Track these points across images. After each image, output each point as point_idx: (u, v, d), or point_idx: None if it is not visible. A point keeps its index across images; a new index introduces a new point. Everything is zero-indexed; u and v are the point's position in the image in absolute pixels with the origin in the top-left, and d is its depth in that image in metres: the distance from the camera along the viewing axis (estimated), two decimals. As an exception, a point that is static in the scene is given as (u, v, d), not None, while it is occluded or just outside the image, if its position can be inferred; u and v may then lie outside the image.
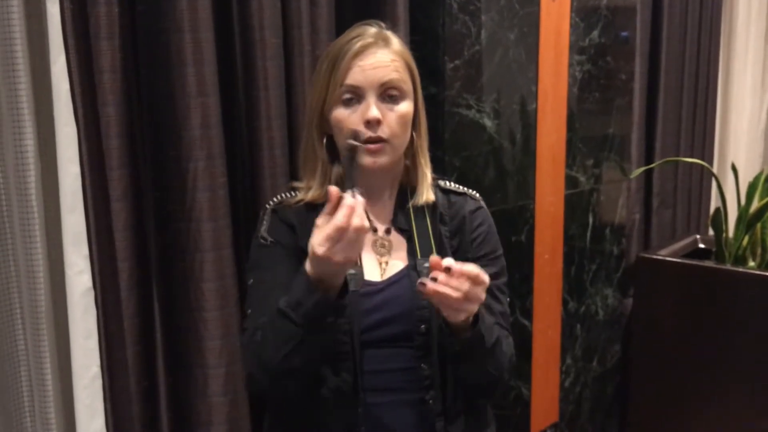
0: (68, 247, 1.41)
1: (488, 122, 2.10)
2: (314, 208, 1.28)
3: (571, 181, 2.44)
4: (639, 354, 2.84)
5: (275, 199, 1.37)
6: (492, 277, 1.32)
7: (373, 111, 1.21)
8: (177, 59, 1.46)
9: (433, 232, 1.32)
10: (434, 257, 1.11)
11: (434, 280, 1.09)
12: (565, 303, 2.53)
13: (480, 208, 1.39)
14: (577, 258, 2.55)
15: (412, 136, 1.30)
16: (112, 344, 1.46)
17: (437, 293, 1.09)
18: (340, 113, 1.24)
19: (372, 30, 1.27)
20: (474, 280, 1.10)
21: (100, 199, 1.43)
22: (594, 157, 2.53)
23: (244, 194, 1.65)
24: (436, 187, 1.37)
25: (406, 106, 1.26)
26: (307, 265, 1.13)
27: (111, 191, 1.44)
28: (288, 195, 1.36)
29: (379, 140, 1.23)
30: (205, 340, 1.55)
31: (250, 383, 1.37)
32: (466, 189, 1.41)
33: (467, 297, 1.10)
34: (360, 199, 1.08)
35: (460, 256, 1.30)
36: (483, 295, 1.14)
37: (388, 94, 1.23)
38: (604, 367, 2.81)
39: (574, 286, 2.55)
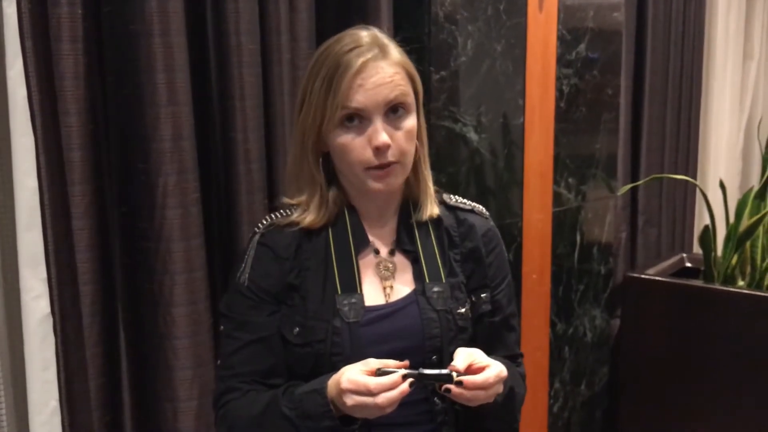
0: (24, 270, 1.31)
1: (474, 136, 2.02)
2: (309, 237, 1.20)
3: (558, 198, 2.38)
4: (627, 376, 2.78)
5: (265, 221, 1.24)
6: (508, 305, 1.30)
7: (383, 137, 1.11)
8: (146, 65, 1.38)
9: (440, 252, 1.23)
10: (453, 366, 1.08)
11: (459, 383, 1.07)
12: (552, 325, 2.45)
13: (490, 228, 1.30)
14: (565, 278, 2.48)
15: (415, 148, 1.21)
16: (72, 376, 1.37)
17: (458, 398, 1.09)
18: (344, 138, 1.13)
19: (366, 38, 1.14)
20: (489, 387, 1.09)
21: (60, 216, 1.34)
22: (581, 173, 2.47)
23: (219, 211, 1.57)
24: (441, 204, 1.28)
25: (412, 121, 1.16)
26: (331, 387, 1.08)
27: (72, 208, 1.36)
28: (279, 214, 1.24)
29: (389, 164, 1.14)
30: (175, 370, 1.46)
31: None
32: (473, 205, 1.31)
33: (487, 395, 1.10)
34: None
35: (475, 283, 1.25)
36: (501, 388, 1.13)
37: (392, 110, 1.14)
38: (593, 391, 2.74)
39: (562, 307, 2.48)
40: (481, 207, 1.32)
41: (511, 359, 1.30)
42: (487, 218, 1.31)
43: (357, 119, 1.12)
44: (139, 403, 1.47)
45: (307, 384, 1.12)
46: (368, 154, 1.12)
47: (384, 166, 1.13)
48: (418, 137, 1.20)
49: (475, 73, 1.98)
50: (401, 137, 1.14)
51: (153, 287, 1.44)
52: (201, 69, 1.50)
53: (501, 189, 2.15)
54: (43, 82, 1.29)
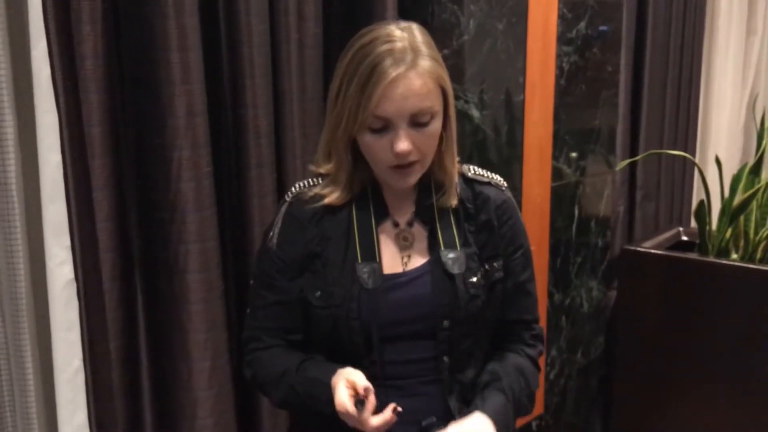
0: (49, 238, 1.37)
1: (476, 113, 2.08)
2: (332, 212, 1.28)
3: (557, 173, 2.44)
4: (622, 346, 2.84)
5: (294, 189, 1.33)
6: (522, 271, 1.35)
7: (403, 144, 1.17)
8: (161, 45, 1.42)
9: (455, 223, 1.29)
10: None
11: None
12: (550, 295, 2.52)
13: (506, 200, 1.35)
14: (562, 250, 2.54)
15: (441, 137, 1.25)
16: (94, 337, 1.43)
17: None
18: (369, 139, 1.20)
19: (400, 42, 1.16)
20: None
21: (82, 188, 1.40)
22: (580, 149, 2.53)
23: (230, 184, 1.62)
24: (460, 176, 1.33)
25: (436, 125, 1.21)
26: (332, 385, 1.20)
27: (93, 180, 1.41)
28: (308, 183, 1.32)
29: (409, 165, 1.21)
30: (189, 333, 1.53)
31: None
32: (491, 176, 1.36)
33: None
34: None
35: (488, 253, 1.30)
36: None
37: (418, 120, 1.18)
38: (589, 359, 2.82)
39: (559, 279, 2.55)
40: (499, 179, 1.37)
41: (525, 324, 1.38)
42: (503, 190, 1.36)
43: (383, 123, 1.18)
44: (156, 364, 1.54)
45: (318, 368, 1.24)
46: (389, 156, 1.19)
47: (404, 167, 1.21)
48: (447, 130, 1.25)
49: (478, 52, 2.03)
50: (423, 141, 1.20)
51: (168, 255, 1.50)
52: (213, 48, 1.54)
53: (502, 164, 2.21)
54: (66, 61, 1.34)
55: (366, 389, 1.14)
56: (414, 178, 1.24)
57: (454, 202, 1.29)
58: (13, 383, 1.44)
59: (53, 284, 1.38)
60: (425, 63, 1.17)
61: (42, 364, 1.46)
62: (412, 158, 1.20)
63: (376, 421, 1.14)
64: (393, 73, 1.15)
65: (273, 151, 1.64)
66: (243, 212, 1.62)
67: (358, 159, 1.27)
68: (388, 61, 1.15)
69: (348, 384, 1.16)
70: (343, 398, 1.15)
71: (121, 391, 1.50)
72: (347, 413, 1.14)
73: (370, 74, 1.15)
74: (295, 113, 1.69)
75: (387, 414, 1.15)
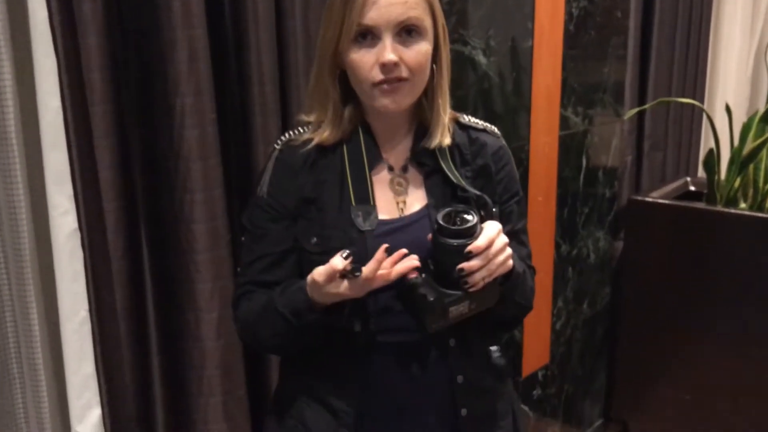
0: (51, 187, 1.33)
1: (483, 59, 2.04)
2: (325, 154, 1.24)
3: (565, 122, 2.40)
4: (628, 296, 2.85)
5: (283, 137, 1.29)
6: (517, 219, 1.33)
7: (389, 54, 1.13)
8: None
9: (452, 168, 1.26)
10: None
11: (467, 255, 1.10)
12: (557, 246, 2.51)
13: (502, 146, 1.33)
14: (570, 200, 2.52)
15: (432, 71, 1.22)
16: (100, 287, 1.41)
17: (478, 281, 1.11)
18: (355, 54, 1.16)
19: None
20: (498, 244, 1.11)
21: (83, 135, 1.35)
22: (588, 97, 2.49)
23: (235, 132, 1.58)
24: (455, 123, 1.31)
25: (425, 46, 1.17)
26: (308, 288, 1.15)
27: (94, 127, 1.37)
28: (297, 132, 1.29)
29: (397, 80, 1.16)
30: (196, 282, 1.51)
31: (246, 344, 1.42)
32: (485, 125, 1.34)
33: (505, 258, 1.13)
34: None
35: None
36: (509, 251, 1.15)
37: (405, 31, 1.15)
38: (594, 310, 2.82)
39: (566, 229, 2.54)
40: (493, 127, 1.35)
41: None
42: (498, 137, 1.34)
43: (369, 36, 1.15)
44: (163, 313, 1.53)
45: (299, 282, 1.19)
46: (375, 71, 1.15)
47: (391, 81, 1.16)
48: (438, 65, 1.22)
49: (485, -4, 1.98)
50: (411, 56, 1.15)
51: (174, 205, 1.47)
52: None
53: (509, 112, 2.18)
54: (63, 3, 1.29)
55: (347, 255, 1.09)
56: (402, 98, 1.18)
57: (447, 140, 1.25)
58: (19, 335, 1.43)
59: (57, 234, 1.35)
60: None
61: (48, 315, 1.44)
62: (399, 74, 1.15)
63: (371, 267, 1.09)
64: None
65: (277, 98, 1.60)
66: (248, 160, 1.59)
67: (347, 97, 1.23)
68: None
69: (324, 268, 1.12)
70: (321, 267, 1.11)
71: (128, 341, 1.49)
72: (333, 271, 1.09)
73: None
74: (299, 60, 1.64)
75: (379, 254, 1.09)
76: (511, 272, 1.18)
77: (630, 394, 2.89)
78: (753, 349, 2.55)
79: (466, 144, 1.29)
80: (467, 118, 1.33)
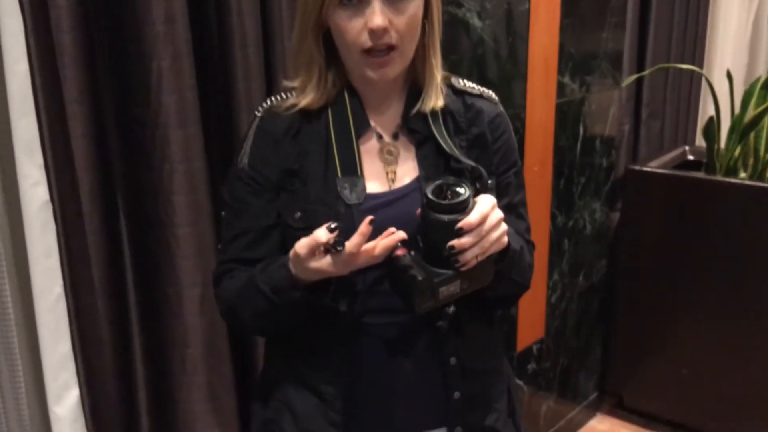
0: (21, 156, 1.26)
1: (478, 22, 1.95)
2: (309, 121, 1.16)
3: (562, 89, 2.33)
4: (625, 268, 2.80)
5: (265, 104, 1.21)
6: (515, 192, 1.25)
7: (378, 19, 1.05)
8: None
9: (445, 136, 1.17)
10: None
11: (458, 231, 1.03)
12: (553, 217, 2.45)
13: (499, 113, 1.25)
14: (566, 170, 2.46)
15: (424, 29, 1.13)
16: (75, 262, 1.34)
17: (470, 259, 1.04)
18: (340, 18, 1.08)
19: None
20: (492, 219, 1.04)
21: (54, 101, 1.28)
22: (586, 64, 2.41)
23: (216, 98, 1.51)
24: (449, 87, 1.22)
25: (414, 7, 1.09)
26: (290, 263, 1.08)
27: (65, 93, 1.30)
28: (279, 98, 1.20)
29: (387, 48, 1.08)
30: (177, 258, 1.45)
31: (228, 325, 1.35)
32: (482, 89, 1.26)
33: (499, 235, 1.05)
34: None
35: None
36: (505, 227, 1.07)
37: None
38: (590, 282, 2.77)
39: (562, 200, 2.47)
40: (490, 92, 1.27)
41: None
42: (496, 103, 1.26)
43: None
44: (143, 289, 1.46)
45: (280, 258, 1.12)
46: (363, 37, 1.07)
47: (381, 52, 1.08)
48: (430, 22, 1.14)
49: (480, -45, 1.90)
50: (401, 21, 1.07)
51: (152, 175, 1.40)
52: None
53: (504, 78, 2.10)
54: None
55: (334, 227, 1.02)
56: (392, 70, 1.11)
57: (441, 102, 1.17)
58: (-9, 313, 1.37)
59: (28, 206, 1.28)
60: None
61: (21, 292, 1.37)
62: (389, 40, 1.07)
63: (354, 241, 1.01)
64: None
65: (261, 62, 1.52)
66: (231, 128, 1.52)
67: (331, 58, 1.15)
68: None
69: (307, 240, 1.05)
70: (304, 239, 1.03)
71: (106, 318, 1.42)
72: (316, 244, 1.02)
73: None
74: (284, 22, 1.56)
75: (363, 227, 1.02)
76: (507, 249, 1.11)
77: (626, 367, 2.86)
78: (752, 321, 2.51)
79: (461, 111, 1.21)
80: (462, 82, 1.25)
